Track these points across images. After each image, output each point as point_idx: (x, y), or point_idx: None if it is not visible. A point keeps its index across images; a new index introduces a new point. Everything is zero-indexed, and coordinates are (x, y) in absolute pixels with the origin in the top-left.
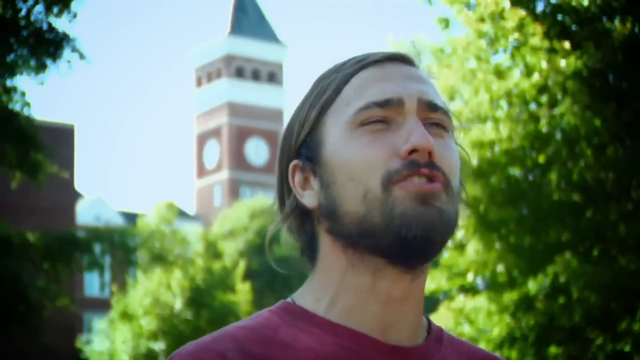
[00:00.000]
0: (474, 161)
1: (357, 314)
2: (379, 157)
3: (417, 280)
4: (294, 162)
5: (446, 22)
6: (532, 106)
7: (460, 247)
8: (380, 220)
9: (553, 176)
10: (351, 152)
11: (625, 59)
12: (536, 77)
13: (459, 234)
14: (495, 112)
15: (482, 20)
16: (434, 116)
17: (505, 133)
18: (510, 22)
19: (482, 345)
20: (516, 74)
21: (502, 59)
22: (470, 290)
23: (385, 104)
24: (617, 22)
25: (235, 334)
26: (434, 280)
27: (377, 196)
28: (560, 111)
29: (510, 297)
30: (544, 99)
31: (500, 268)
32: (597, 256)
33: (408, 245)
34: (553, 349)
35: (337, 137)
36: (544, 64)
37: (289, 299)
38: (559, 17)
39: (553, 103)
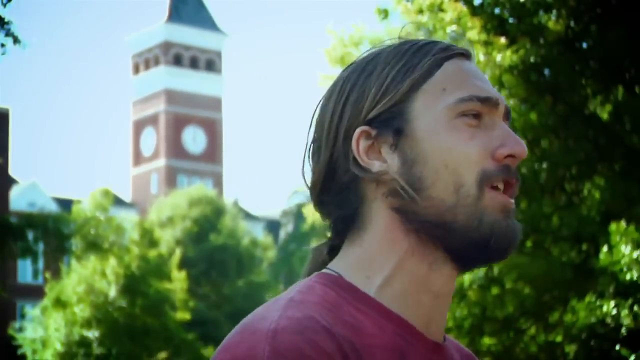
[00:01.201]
0: None
1: (409, 303)
2: (477, 154)
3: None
4: (364, 127)
5: (385, 13)
6: None
7: None
8: (466, 220)
9: None
10: (451, 141)
11: (560, 54)
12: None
13: None
14: None
15: (420, 11)
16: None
17: None
18: (449, 15)
19: None
20: None
21: None
22: None
23: (485, 100)
24: (552, 17)
25: (322, 314)
26: None
27: (471, 193)
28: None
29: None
30: None
31: None
32: (531, 248)
33: (488, 254)
34: (486, 339)
35: (432, 119)
36: (481, 57)
37: (332, 272)
38: (497, 11)
39: None
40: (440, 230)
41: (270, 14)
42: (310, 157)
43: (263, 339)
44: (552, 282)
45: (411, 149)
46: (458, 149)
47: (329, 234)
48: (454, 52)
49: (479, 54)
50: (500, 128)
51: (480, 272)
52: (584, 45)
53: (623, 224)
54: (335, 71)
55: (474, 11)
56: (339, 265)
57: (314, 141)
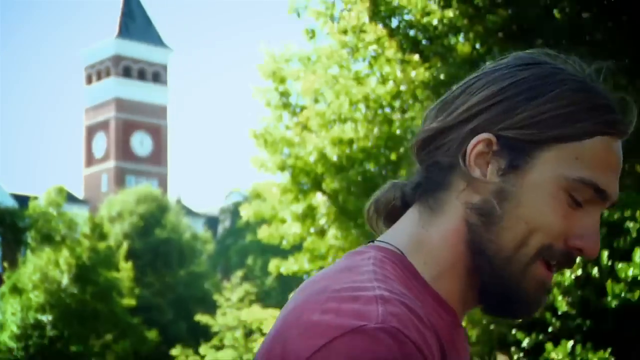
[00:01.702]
0: (335, 157)
1: (451, 300)
2: (558, 231)
3: None
4: (491, 137)
5: (312, 33)
6: (387, 110)
7: (321, 233)
8: (510, 275)
9: (403, 172)
10: (547, 207)
11: (466, 72)
12: (390, 85)
13: (321, 221)
14: (354, 114)
15: (344, 32)
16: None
17: (363, 133)
18: (369, 36)
19: None
20: (373, 81)
21: (361, 67)
22: None
23: (600, 196)
24: (461, 40)
25: (406, 303)
26: (297, 262)
27: (528, 256)
28: (411, 115)
29: None
30: (397, 104)
31: None
32: None
33: (506, 310)
34: None
35: (548, 176)
36: (398, 73)
37: (394, 248)
38: (412, 33)
39: (405, 108)
40: (488, 268)
41: (212, 31)
42: (437, 110)
43: (373, 302)
44: None
45: (513, 186)
46: (547, 218)
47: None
48: (614, 132)
49: (396, 70)
50: (593, 221)
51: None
52: (487, 64)
53: None
54: (267, 84)
55: (392, 33)
56: (399, 240)
57: (446, 103)
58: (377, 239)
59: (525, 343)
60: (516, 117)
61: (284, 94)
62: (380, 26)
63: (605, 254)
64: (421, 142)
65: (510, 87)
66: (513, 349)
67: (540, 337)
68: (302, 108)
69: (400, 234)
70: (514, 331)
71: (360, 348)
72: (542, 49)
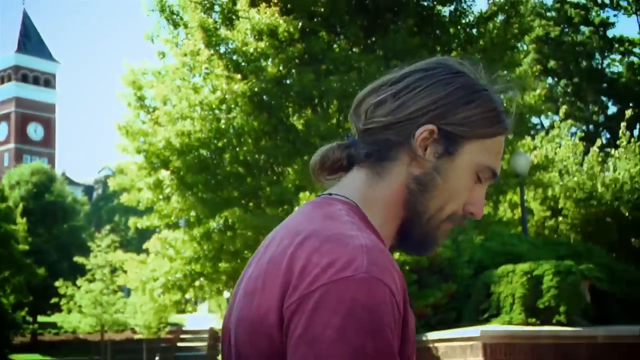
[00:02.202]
0: (177, 145)
1: (387, 244)
2: (464, 199)
3: None
4: (435, 128)
5: (163, 54)
6: (216, 111)
7: (167, 199)
8: (428, 228)
9: (227, 156)
10: (463, 183)
11: (273, 87)
12: (218, 93)
13: (167, 190)
14: (192, 114)
15: (185, 55)
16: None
17: (198, 127)
18: (203, 58)
19: (178, 262)
20: (206, 91)
21: (197, 80)
22: (173, 226)
23: (493, 176)
24: (269, 63)
25: (383, 249)
26: (149, 220)
27: (442, 218)
28: (233, 116)
29: (197, 231)
30: (223, 107)
31: (192, 213)
32: (252, 207)
33: (417, 249)
34: (223, 264)
35: (468, 161)
36: (224, 86)
37: (348, 200)
38: (234, 57)
39: (229, 110)
40: (416, 222)
41: (90, 49)
42: (392, 95)
43: (359, 252)
44: (267, 230)
45: (445, 167)
46: (461, 192)
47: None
48: (506, 132)
49: (223, 83)
50: (483, 193)
51: (221, 222)
52: (288, 81)
53: (307, 193)
54: (128, 90)
55: (220, 56)
56: (353, 195)
57: (399, 90)
58: (333, 193)
59: None
60: (454, 117)
61: (141, 98)
62: (211, 51)
63: None
64: (378, 125)
65: (451, 94)
66: None
67: None
68: (155, 108)
69: (352, 190)
70: None
71: (350, 292)
72: (448, 56)
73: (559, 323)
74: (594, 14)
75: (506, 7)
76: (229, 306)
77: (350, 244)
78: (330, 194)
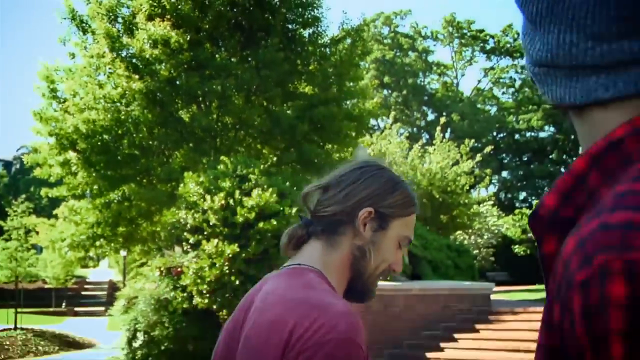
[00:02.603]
0: (84, 130)
1: None
2: (391, 261)
3: None
4: (372, 210)
5: (73, 55)
6: (117, 104)
7: (74, 174)
8: (368, 282)
9: (125, 141)
10: (391, 249)
11: (166, 86)
12: (119, 90)
13: (74, 167)
14: (97, 106)
15: (92, 57)
16: None
17: (102, 117)
18: (107, 59)
19: (83, 226)
20: (109, 87)
21: (102, 78)
22: (79, 196)
23: (408, 243)
24: (162, 67)
25: (354, 313)
26: (59, 191)
27: (377, 275)
28: (132, 108)
29: (99, 201)
30: (123, 101)
31: (95, 186)
32: (145, 183)
33: (358, 297)
34: (120, 228)
35: (393, 234)
36: (124, 84)
37: (316, 270)
38: (134, 60)
39: (128, 104)
40: (359, 279)
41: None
42: (338, 192)
43: (340, 318)
44: (157, 202)
45: (379, 238)
46: (390, 256)
47: (303, 222)
48: (415, 212)
49: (123, 82)
50: (402, 255)
51: (118, 194)
52: (178, 82)
53: (190, 173)
54: (43, 84)
55: (121, 59)
56: (315, 263)
57: (345, 186)
58: (299, 262)
59: (191, 240)
60: (385, 202)
61: (53, 90)
62: (114, 55)
63: None
64: (329, 213)
65: (382, 185)
66: (184, 243)
67: (200, 237)
68: (65, 100)
69: (315, 259)
70: (185, 234)
71: (334, 349)
72: (374, 159)
73: (385, 280)
74: (418, 43)
75: (352, 33)
76: (225, 339)
77: (332, 311)
78: (299, 264)
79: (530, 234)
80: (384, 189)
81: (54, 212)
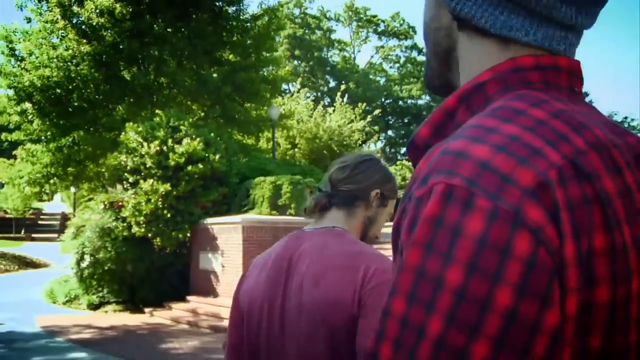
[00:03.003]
0: (39, 85)
1: None
2: (379, 229)
3: None
4: (378, 191)
5: (29, 19)
6: (68, 64)
7: (31, 122)
8: (368, 238)
9: (75, 95)
10: (383, 223)
11: (110, 49)
12: (70, 52)
13: (30, 116)
14: (51, 64)
15: (46, 22)
16: None
17: (55, 74)
18: (60, 25)
19: (38, 166)
20: (61, 49)
21: (55, 40)
22: (35, 140)
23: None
24: (108, 33)
25: None
26: (17, 135)
27: (375, 234)
28: (81, 68)
29: (53, 145)
30: (74, 61)
31: (49, 133)
32: (92, 131)
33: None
34: (70, 169)
35: (388, 211)
36: (75, 46)
37: (345, 231)
38: (84, 27)
39: (78, 64)
40: (362, 239)
41: None
42: (355, 174)
43: (387, 262)
44: (102, 147)
45: (380, 212)
46: (381, 224)
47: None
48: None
49: (74, 44)
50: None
51: (69, 138)
52: (121, 47)
53: (131, 123)
54: (1, 43)
55: (72, 25)
56: (342, 227)
57: (358, 172)
58: (333, 225)
59: (130, 179)
60: (385, 187)
61: (12, 49)
62: (66, 21)
63: None
64: (347, 190)
65: (384, 175)
66: (124, 182)
67: (138, 177)
68: (22, 58)
69: (340, 223)
70: (125, 174)
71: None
72: (369, 152)
73: (290, 215)
74: (323, 23)
75: (269, 12)
76: (256, 296)
77: (379, 258)
78: (333, 227)
79: (406, 181)
80: (386, 177)
81: (13, 153)
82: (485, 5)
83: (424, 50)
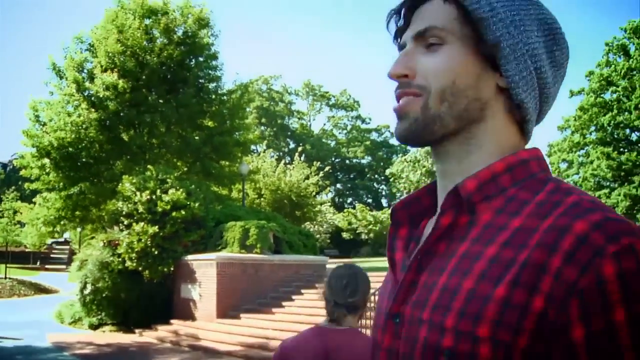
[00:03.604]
0: (56, 144)
1: None
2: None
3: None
4: None
5: (52, 92)
6: (80, 128)
7: (48, 173)
8: None
9: (84, 153)
10: None
11: (114, 117)
12: (82, 118)
13: (47, 169)
14: (66, 128)
15: (65, 95)
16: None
17: (69, 136)
18: (75, 97)
19: (52, 210)
20: (75, 116)
21: (70, 109)
22: (50, 189)
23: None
24: (112, 103)
25: None
26: (37, 185)
27: None
28: (90, 131)
29: (64, 193)
30: (84, 126)
31: (61, 183)
32: (96, 182)
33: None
34: (77, 213)
35: None
36: (86, 114)
37: None
38: (93, 99)
39: (87, 128)
40: None
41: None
42: None
43: None
44: (103, 196)
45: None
46: None
47: None
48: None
49: (85, 113)
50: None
51: (77, 188)
52: (122, 114)
53: (127, 176)
54: (29, 112)
55: (84, 98)
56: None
57: None
58: (350, 326)
59: (125, 222)
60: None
61: (37, 116)
62: (80, 95)
63: None
64: (352, 302)
65: (368, 282)
66: (120, 224)
67: (131, 220)
68: (45, 123)
69: (354, 324)
70: (121, 218)
71: None
72: (352, 263)
73: (256, 253)
74: (285, 97)
75: (242, 87)
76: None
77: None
78: (350, 327)
79: (355, 225)
80: (368, 283)
81: (33, 200)
82: (532, 102)
83: (429, 107)
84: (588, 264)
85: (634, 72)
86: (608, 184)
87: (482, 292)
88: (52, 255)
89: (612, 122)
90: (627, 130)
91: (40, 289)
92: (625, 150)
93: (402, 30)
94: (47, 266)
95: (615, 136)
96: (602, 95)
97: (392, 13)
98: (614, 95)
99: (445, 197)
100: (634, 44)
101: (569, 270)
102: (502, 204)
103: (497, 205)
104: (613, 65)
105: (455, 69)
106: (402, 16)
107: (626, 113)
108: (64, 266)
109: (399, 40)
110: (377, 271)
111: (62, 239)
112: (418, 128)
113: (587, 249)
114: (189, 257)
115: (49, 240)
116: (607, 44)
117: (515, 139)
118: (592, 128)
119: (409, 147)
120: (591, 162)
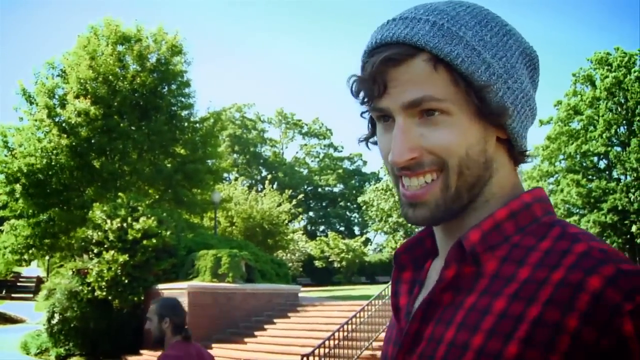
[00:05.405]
0: (25, 170)
1: None
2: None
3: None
4: None
5: (21, 118)
6: (50, 154)
7: (16, 200)
8: None
9: (54, 179)
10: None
11: (85, 143)
12: (53, 144)
13: (17, 195)
14: (36, 154)
15: (35, 120)
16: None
17: (39, 162)
18: (45, 123)
19: (20, 237)
20: (45, 142)
21: (41, 135)
22: (18, 216)
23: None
24: (83, 130)
25: None
26: (5, 212)
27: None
28: (60, 157)
29: (33, 220)
30: (55, 152)
31: (30, 210)
32: (66, 209)
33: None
34: (46, 240)
35: None
36: (56, 140)
37: None
38: (64, 125)
39: (57, 154)
40: None
41: None
42: None
43: None
44: (73, 223)
45: None
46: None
47: None
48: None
49: (56, 139)
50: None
51: (46, 215)
52: (93, 141)
53: (98, 204)
54: None
55: (55, 123)
56: None
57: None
58: None
59: (95, 250)
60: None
61: (5, 142)
62: (50, 120)
63: None
64: None
65: None
66: (90, 252)
67: (101, 248)
68: (13, 149)
69: None
70: (91, 246)
71: None
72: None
73: (228, 282)
74: (258, 125)
75: (214, 115)
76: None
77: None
78: None
79: (327, 253)
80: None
81: (0, 227)
82: (525, 143)
83: (449, 186)
84: (607, 325)
85: (600, 102)
86: (578, 210)
87: (492, 350)
88: (18, 284)
89: (579, 150)
90: (595, 158)
91: (5, 319)
92: (594, 177)
93: (372, 94)
94: (13, 295)
95: (584, 164)
96: (569, 124)
97: (361, 80)
98: (580, 124)
99: (449, 250)
100: (599, 74)
101: (588, 331)
102: (506, 252)
103: (502, 253)
104: (580, 95)
105: (466, 140)
106: (374, 82)
107: (593, 142)
108: (31, 295)
109: (370, 103)
110: (350, 299)
111: (29, 267)
112: (439, 213)
113: (604, 309)
114: (160, 286)
115: (15, 268)
116: (574, 75)
117: (512, 175)
118: (561, 157)
119: (380, 176)
120: (561, 190)
